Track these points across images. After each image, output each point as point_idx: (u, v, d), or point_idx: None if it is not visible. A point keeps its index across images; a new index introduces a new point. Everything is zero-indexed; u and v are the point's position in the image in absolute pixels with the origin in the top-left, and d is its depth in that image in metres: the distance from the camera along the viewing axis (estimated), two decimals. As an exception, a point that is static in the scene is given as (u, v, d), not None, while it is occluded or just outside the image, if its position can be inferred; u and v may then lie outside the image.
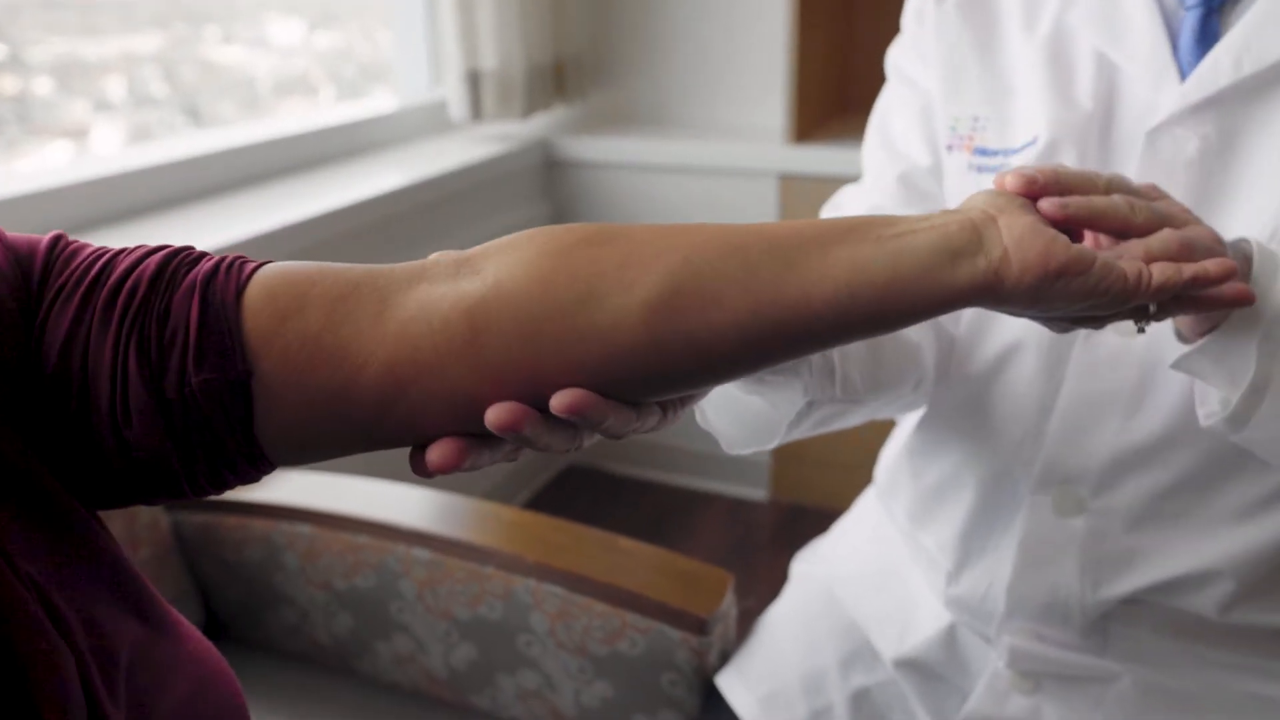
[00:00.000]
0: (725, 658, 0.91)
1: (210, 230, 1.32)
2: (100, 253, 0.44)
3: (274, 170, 1.69)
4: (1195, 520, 0.71)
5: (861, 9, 2.22)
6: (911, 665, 0.83)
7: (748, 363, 0.45)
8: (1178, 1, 0.70)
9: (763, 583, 1.11)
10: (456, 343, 0.43)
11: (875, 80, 0.90)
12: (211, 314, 0.42)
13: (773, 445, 0.69)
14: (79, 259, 0.44)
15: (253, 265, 0.45)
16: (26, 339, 0.42)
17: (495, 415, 0.42)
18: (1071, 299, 0.47)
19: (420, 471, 0.45)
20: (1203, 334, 0.58)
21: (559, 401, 0.42)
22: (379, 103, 2.05)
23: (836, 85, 2.22)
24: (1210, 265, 0.50)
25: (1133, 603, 0.73)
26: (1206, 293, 0.51)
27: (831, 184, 1.90)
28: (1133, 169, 0.69)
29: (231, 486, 0.46)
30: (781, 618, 0.92)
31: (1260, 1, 0.66)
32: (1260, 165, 0.66)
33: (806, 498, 2.16)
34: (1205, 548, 0.70)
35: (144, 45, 1.75)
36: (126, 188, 1.39)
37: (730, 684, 0.87)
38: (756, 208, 2.03)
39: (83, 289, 0.43)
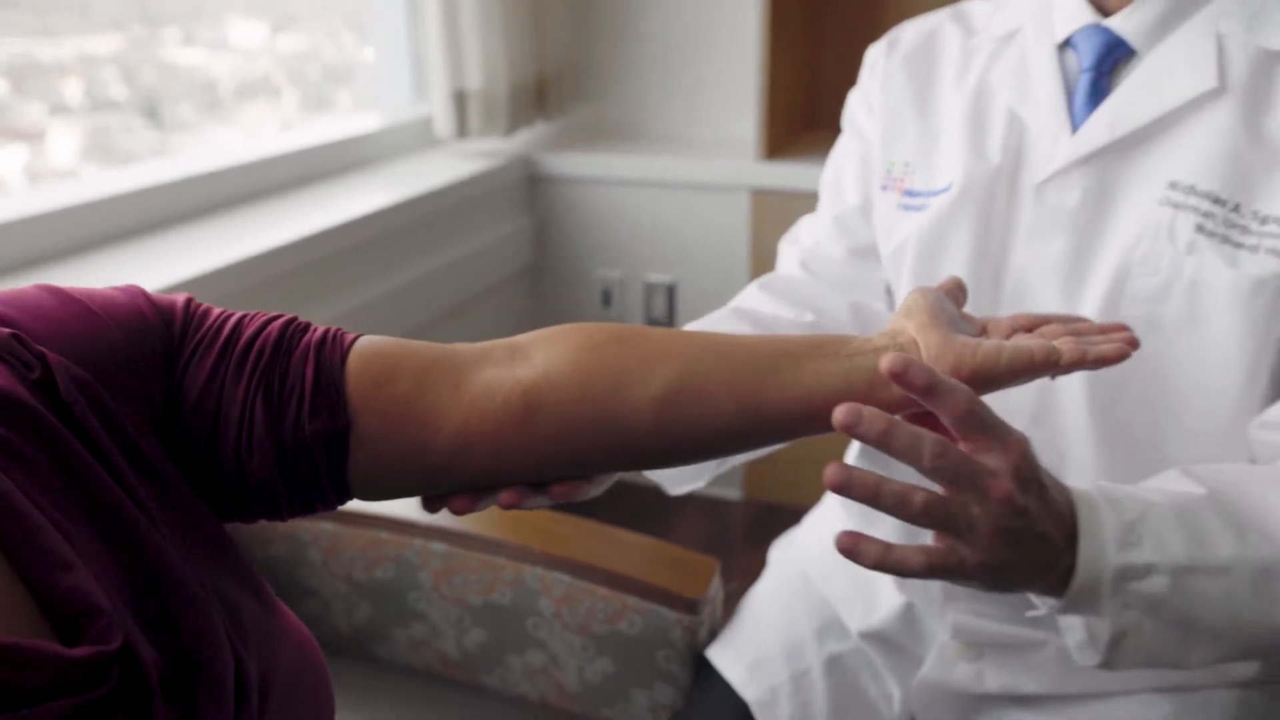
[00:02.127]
0: (713, 634, 1.02)
1: (202, 252, 1.36)
2: (226, 315, 0.56)
3: (262, 191, 1.74)
4: None
5: (829, 32, 2.34)
6: (874, 637, 0.95)
7: (731, 447, 0.58)
8: (1076, 65, 0.81)
9: (740, 574, 1.21)
10: (515, 416, 0.55)
11: (841, 100, 1.01)
12: (323, 376, 0.54)
13: (704, 484, 0.85)
14: (210, 320, 0.55)
15: (351, 336, 0.57)
16: (169, 378, 0.53)
17: (507, 498, 0.57)
18: (995, 387, 0.58)
19: (431, 510, 0.59)
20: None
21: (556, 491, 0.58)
22: (364, 121, 2.11)
23: (805, 105, 2.33)
24: (1109, 351, 0.58)
25: None
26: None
27: (799, 199, 2.02)
28: (1029, 216, 0.81)
29: (317, 512, 0.57)
30: (763, 597, 1.04)
31: (1139, 68, 0.78)
32: (1127, 215, 0.77)
33: (778, 496, 2.27)
34: None
35: (101, 47, 1.72)
36: (106, 215, 1.41)
37: (720, 656, 0.97)
38: (730, 221, 2.14)
39: (218, 346, 0.54)
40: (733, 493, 2.33)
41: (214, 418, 0.53)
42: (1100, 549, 0.60)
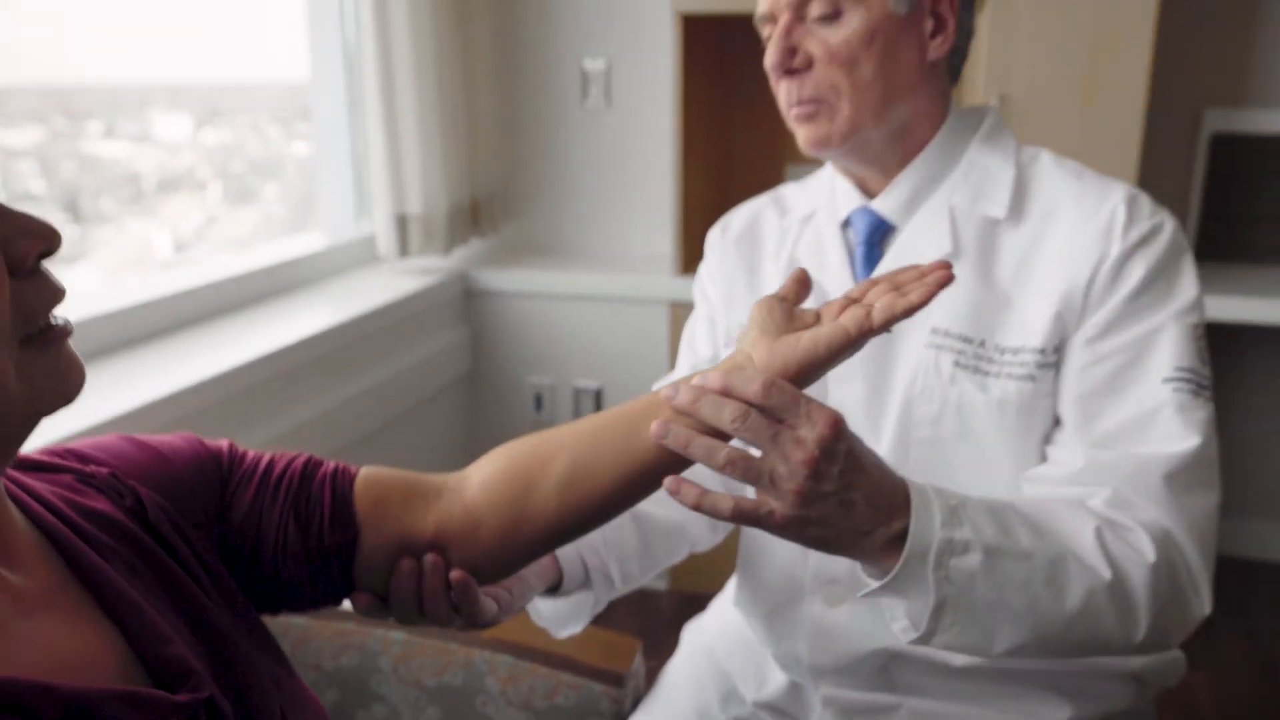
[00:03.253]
0: (637, 703, 1.19)
1: (163, 375, 1.46)
2: (259, 456, 0.74)
3: (215, 311, 1.86)
4: None
5: (738, 156, 2.58)
6: (767, 706, 1.13)
7: (633, 498, 0.73)
8: (854, 239, 1.03)
9: (665, 654, 1.38)
10: (465, 530, 0.73)
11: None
12: (338, 499, 0.72)
13: (580, 628, 1.01)
14: (247, 460, 0.73)
15: (355, 469, 0.75)
16: (222, 503, 0.71)
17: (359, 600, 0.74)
18: (827, 368, 0.71)
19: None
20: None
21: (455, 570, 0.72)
22: (311, 240, 2.26)
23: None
24: (915, 300, 0.68)
25: (900, 658, 1.01)
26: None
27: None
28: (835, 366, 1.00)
29: (330, 605, 0.74)
30: (676, 670, 1.22)
31: (897, 240, 1.00)
32: (904, 358, 0.97)
33: (699, 586, 2.42)
34: None
35: (20, 139, 1.73)
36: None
37: (640, 723, 1.15)
38: (650, 330, 2.34)
39: (256, 479, 0.72)
40: (660, 584, 2.50)
41: (255, 533, 0.70)
42: (929, 523, 0.72)
